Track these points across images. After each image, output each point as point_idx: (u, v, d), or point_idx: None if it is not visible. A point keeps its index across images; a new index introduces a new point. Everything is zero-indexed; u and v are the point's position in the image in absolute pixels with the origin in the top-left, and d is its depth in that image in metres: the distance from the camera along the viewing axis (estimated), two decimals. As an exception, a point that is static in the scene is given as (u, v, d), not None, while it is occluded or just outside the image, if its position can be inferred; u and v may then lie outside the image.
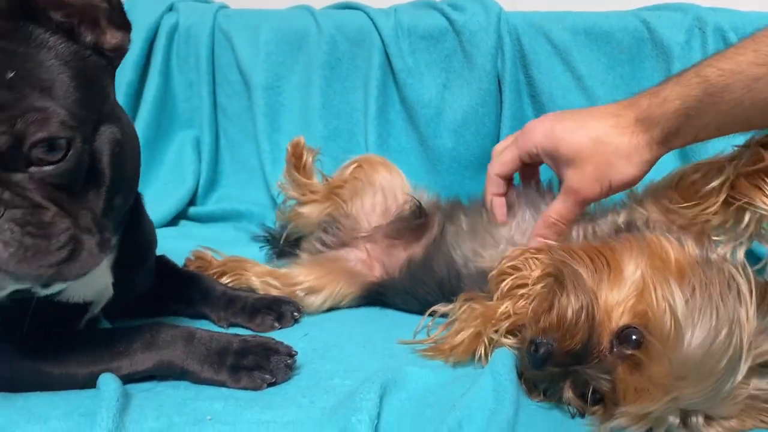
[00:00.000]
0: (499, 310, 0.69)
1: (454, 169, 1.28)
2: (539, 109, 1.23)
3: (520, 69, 1.24)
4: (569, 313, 0.60)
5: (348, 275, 0.90)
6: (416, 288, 0.85)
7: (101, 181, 0.56)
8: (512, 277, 0.70)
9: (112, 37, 0.59)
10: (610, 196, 0.72)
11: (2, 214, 0.49)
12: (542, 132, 0.73)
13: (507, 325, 0.68)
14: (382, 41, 1.30)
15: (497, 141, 1.26)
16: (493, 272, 0.73)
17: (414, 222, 0.91)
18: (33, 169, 0.52)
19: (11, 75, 0.50)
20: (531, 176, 0.86)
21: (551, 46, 1.21)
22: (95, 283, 0.66)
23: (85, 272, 0.55)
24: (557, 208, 0.74)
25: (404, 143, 1.33)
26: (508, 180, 0.83)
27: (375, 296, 0.91)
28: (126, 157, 0.59)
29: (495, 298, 0.71)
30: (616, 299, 0.61)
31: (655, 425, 0.56)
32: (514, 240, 0.80)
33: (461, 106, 1.26)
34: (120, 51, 0.61)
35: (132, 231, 0.70)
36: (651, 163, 0.69)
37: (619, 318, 0.60)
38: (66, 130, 0.52)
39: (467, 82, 1.26)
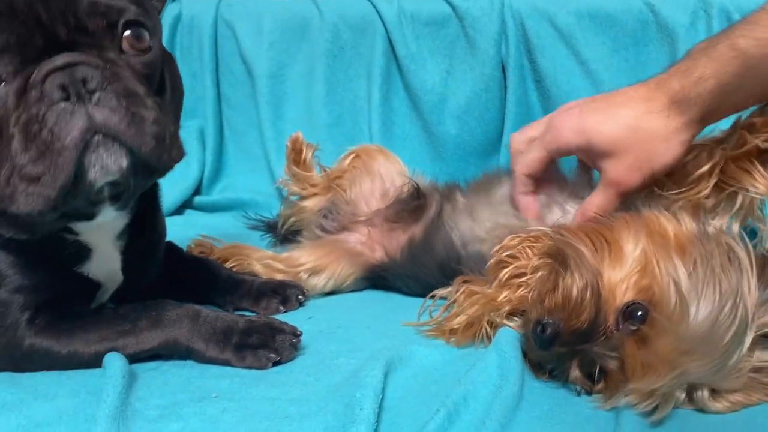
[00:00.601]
0: (500, 298, 0.69)
1: (459, 155, 1.28)
2: (544, 94, 1.23)
3: (524, 54, 1.23)
4: (574, 291, 0.59)
5: (349, 255, 0.91)
6: (417, 270, 0.85)
7: (165, 95, 0.59)
8: (511, 266, 0.70)
9: None
10: (651, 183, 0.69)
11: (105, 87, 0.52)
12: (571, 128, 0.69)
13: (508, 309, 0.68)
14: (385, 28, 1.30)
15: (502, 127, 1.26)
16: (491, 261, 0.72)
17: (412, 203, 0.92)
18: (123, 56, 0.56)
19: None
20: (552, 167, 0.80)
21: (555, 30, 1.20)
22: (108, 263, 0.67)
23: (176, 160, 0.59)
24: (597, 201, 0.70)
25: (408, 130, 1.32)
26: (537, 178, 0.78)
27: (377, 279, 0.91)
28: (180, 83, 0.64)
29: (494, 286, 0.71)
30: (619, 276, 0.60)
31: (663, 401, 0.56)
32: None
33: (465, 92, 1.26)
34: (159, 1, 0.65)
35: (146, 219, 0.71)
36: (690, 142, 0.67)
37: (624, 295, 0.59)
38: (147, 20, 0.57)
39: (471, 67, 1.26)
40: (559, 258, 0.65)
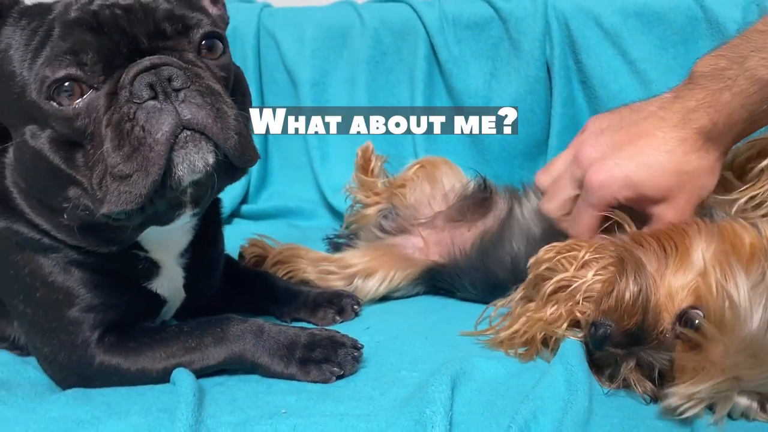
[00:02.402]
0: (547, 315, 0.68)
1: (504, 159, 1.28)
2: (590, 95, 1.21)
3: (569, 54, 1.22)
4: (627, 295, 0.61)
5: (402, 259, 0.91)
6: (487, 264, 0.85)
7: (238, 99, 0.60)
8: (552, 281, 0.69)
9: (212, 9, 0.66)
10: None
11: (189, 85, 0.54)
12: (619, 183, 0.67)
13: (564, 323, 0.68)
14: (427, 33, 1.30)
15: (548, 129, 1.25)
16: (530, 277, 0.72)
17: (479, 196, 0.92)
18: (201, 60, 0.59)
19: None
20: None
21: (601, 29, 1.19)
22: (173, 280, 0.69)
23: (253, 161, 0.60)
24: None
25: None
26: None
27: (436, 277, 0.91)
28: (248, 91, 0.66)
29: (537, 302, 0.71)
30: (681, 283, 0.61)
31: (719, 403, 0.55)
32: None
33: (509, 94, 1.25)
34: (223, 21, 0.67)
35: (208, 236, 0.73)
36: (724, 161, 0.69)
37: (682, 300, 0.60)
38: (221, 27, 0.61)
39: (515, 69, 1.25)
40: (620, 263, 0.65)
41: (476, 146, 1.30)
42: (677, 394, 0.55)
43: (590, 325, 0.62)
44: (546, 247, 0.72)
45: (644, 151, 0.67)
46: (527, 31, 1.22)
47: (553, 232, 0.80)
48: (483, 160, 1.29)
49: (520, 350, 0.68)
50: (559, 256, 0.70)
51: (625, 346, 0.60)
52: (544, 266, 0.71)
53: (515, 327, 0.70)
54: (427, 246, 0.92)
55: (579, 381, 0.58)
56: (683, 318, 0.59)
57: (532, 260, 0.72)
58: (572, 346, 0.64)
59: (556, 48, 1.20)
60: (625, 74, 1.18)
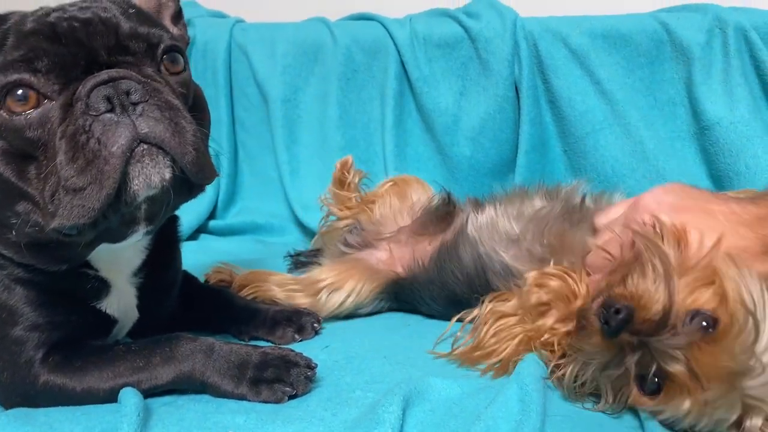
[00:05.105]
0: (547, 325, 0.68)
1: (473, 176, 1.28)
2: (558, 115, 1.22)
3: (537, 75, 1.23)
4: (649, 284, 0.59)
5: (370, 271, 0.91)
6: (445, 278, 0.85)
7: (197, 116, 0.60)
8: (554, 314, 0.69)
9: (173, 29, 0.68)
10: None
11: (147, 99, 0.54)
12: (658, 198, 0.66)
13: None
14: (398, 51, 1.31)
15: (516, 147, 1.26)
16: (532, 301, 0.71)
17: (443, 210, 0.92)
18: (161, 75, 0.59)
19: (133, 11, 0.60)
20: None
21: (568, 50, 1.20)
22: (124, 299, 0.68)
23: (211, 178, 0.59)
24: None
25: (422, 152, 1.32)
26: None
27: (399, 291, 0.91)
28: (207, 110, 0.66)
29: (536, 325, 0.70)
30: (696, 281, 0.59)
31: (719, 423, 0.55)
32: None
33: (478, 113, 1.26)
34: (183, 41, 0.68)
35: (163, 256, 0.71)
36: None
37: (697, 300, 0.58)
38: (182, 46, 0.62)
39: (484, 89, 1.26)
40: (636, 257, 0.63)
41: (446, 165, 1.30)
42: (695, 401, 0.54)
43: (607, 308, 0.58)
44: (551, 273, 0.71)
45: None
46: (496, 51, 1.23)
47: (498, 251, 0.80)
48: (452, 179, 1.29)
49: (480, 366, 0.68)
50: (563, 286, 0.69)
51: (642, 335, 0.57)
52: (546, 296, 0.69)
53: (508, 350, 0.69)
54: (392, 258, 0.92)
55: (532, 401, 0.58)
56: (696, 317, 0.57)
57: (531, 279, 0.71)
58: (529, 365, 0.64)
59: (525, 68, 1.21)
60: (591, 95, 1.19)
